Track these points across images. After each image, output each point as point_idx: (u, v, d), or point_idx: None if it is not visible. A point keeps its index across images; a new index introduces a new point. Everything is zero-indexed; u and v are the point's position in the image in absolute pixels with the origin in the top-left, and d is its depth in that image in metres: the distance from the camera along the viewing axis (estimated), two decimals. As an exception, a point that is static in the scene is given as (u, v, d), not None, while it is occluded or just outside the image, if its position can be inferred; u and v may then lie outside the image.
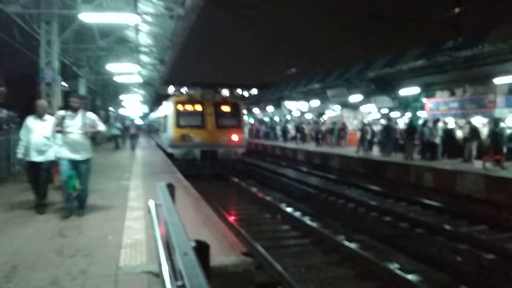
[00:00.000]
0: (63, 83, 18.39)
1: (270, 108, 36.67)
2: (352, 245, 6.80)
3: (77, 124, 5.49)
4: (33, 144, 5.74)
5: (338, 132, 21.84)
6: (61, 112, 5.74)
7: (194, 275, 1.55)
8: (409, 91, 18.87)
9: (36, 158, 5.76)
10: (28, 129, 5.82)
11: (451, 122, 16.25)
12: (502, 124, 12.47)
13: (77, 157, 5.51)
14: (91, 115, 5.78)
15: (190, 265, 1.65)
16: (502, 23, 11.58)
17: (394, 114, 22.72)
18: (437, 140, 13.62)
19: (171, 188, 3.34)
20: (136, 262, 3.87)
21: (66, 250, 4.17)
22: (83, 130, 5.50)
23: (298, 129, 25.82)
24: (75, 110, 5.56)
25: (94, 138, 6.03)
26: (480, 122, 14.93)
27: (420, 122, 16.94)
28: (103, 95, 27.90)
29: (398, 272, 5.64)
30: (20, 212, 5.93)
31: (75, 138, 5.48)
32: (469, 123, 13.64)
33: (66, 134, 5.43)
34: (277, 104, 34.16)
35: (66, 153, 5.48)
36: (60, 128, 5.42)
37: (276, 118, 35.88)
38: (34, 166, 5.80)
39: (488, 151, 11.77)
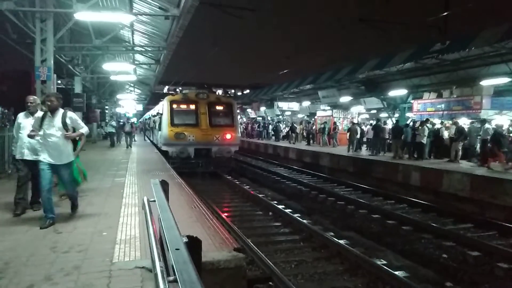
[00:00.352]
0: (59, 81, 18.44)
1: (263, 108, 36.92)
2: (341, 242, 6.96)
3: (56, 125, 5.01)
4: (26, 142, 5.39)
5: (329, 131, 22.12)
6: (38, 114, 5.29)
7: (186, 270, 1.58)
8: (397, 92, 19.24)
9: (30, 156, 5.40)
10: (20, 127, 5.50)
11: (437, 123, 16.56)
12: (487, 125, 12.74)
13: (57, 161, 5.02)
14: (72, 115, 5.25)
15: (181, 260, 1.68)
16: (487, 27, 11.86)
17: (383, 115, 23.09)
18: (424, 140, 13.88)
19: (164, 184, 3.42)
20: (130, 257, 3.87)
21: (60, 246, 4.18)
22: (63, 134, 5.00)
23: (292, 128, 25.93)
24: (52, 110, 5.04)
25: (78, 141, 5.49)
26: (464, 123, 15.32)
27: (408, 122, 17.26)
28: (99, 94, 27.88)
29: (386, 268, 5.79)
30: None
31: (54, 140, 4.99)
32: (455, 124, 13.92)
33: (45, 136, 4.97)
34: (270, 104, 34.41)
35: (46, 157, 4.98)
36: (33, 133, 4.96)
37: (269, 118, 36.17)
38: (29, 165, 5.47)
39: (487, 154, 11.94)
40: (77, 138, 5.49)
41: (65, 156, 5.12)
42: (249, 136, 33.00)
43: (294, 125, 27.01)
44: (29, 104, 5.60)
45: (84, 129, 5.37)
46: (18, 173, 5.76)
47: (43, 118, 5.04)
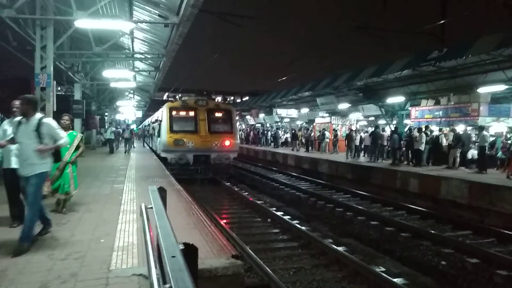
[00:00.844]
0: (59, 88, 18.50)
1: (261, 115, 37.06)
2: (340, 249, 6.95)
3: (28, 133, 4.47)
4: (13, 150, 4.98)
5: (328, 138, 22.19)
6: (5, 122, 4.95)
7: (181, 278, 1.58)
8: (395, 99, 19.36)
9: (16, 165, 4.90)
10: (5, 134, 5.02)
11: (436, 130, 16.66)
12: (484, 132, 12.80)
13: (26, 172, 4.47)
14: (48, 121, 4.61)
15: (177, 268, 1.69)
16: (484, 35, 11.97)
17: (381, 122, 23.21)
18: (422, 147, 13.92)
19: (162, 191, 3.43)
20: (127, 265, 3.87)
21: (57, 253, 4.16)
22: (36, 147, 4.40)
23: (294, 135, 25.31)
24: (26, 115, 4.51)
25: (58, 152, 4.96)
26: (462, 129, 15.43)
27: (405, 129, 17.38)
28: (99, 100, 27.97)
29: (385, 275, 5.78)
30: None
31: (24, 149, 4.48)
32: (453, 130, 13.98)
33: (19, 145, 4.58)
34: (269, 111, 34.54)
35: (19, 168, 4.60)
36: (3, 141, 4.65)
37: (267, 125, 36.30)
38: (15, 174, 4.86)
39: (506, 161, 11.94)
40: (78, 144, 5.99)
41: (36, 167, 4.45)
42: (252, 143, 33.06)
43: (297, 131, 26.54)
44: (15, 108, 5.09)
45: (62, 140, 4.67)
46: (6, 184, 5.31)
47: (18, 124, 4.57)
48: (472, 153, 13.79)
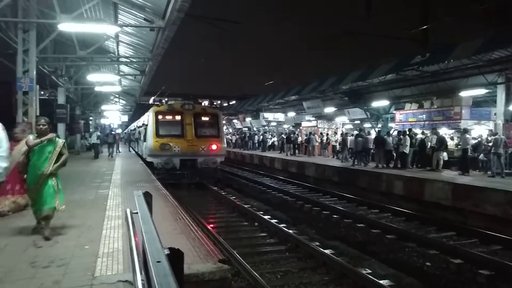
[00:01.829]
0: (42, 92, 18.18)
1: (248, 119, 37.14)
2: (327, 251, 6.99)
3: None
4: None
5: (313, 142, 22.32)
6: None
7: (166, 283, 1.55)
8: (380, 103, 19.68)
9: None
10: None
11: (419, 133, 16.97)
12: (467, 135, 13.10)
13: None
14: None
15: (162, 273, 1.65)
16: (465, 41, 12.31)
17: (367, 125, 23.55)
18: (407, 150, 14.14)
19: (148, 196, 3.40)
20: (112, 271, 3.80)
21: (39, 261, 4.06)
22: None
23: (289, 139, 23.71)
24: None
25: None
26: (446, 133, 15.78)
27: (391, 132, 17.69)
28: (83, 105, 27.59)
29: (371, 277, 5.83)
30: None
31: None
32: (436, 133, 14.26)
33: None
34: (255, 115, 34.63)
35: None
36: None
37: (254, 129, 36.40)
38: None
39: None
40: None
41: None
42: (235, 147, 33.05)
43: (293, 135, 24.78)
44: None
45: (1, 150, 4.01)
46: None
47: None
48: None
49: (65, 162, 5.14)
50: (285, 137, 24.66)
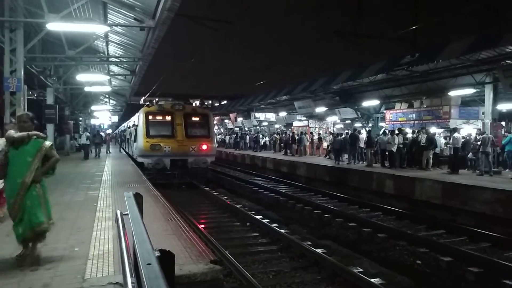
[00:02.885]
0: (30, 93, 17.90)
1: (240, 119, 37.12)
2: (318, 251, 7.00)
3: None
4: None
5: (304, 141, 22.36)
6: None
7: (157, 285, 1.55)
8: (370, 103, 19.84)
9: None
10: None
11: (409, 132, 17.17)
12: (456, 134, 13.26)
13: None
14: None
15: (153, 275, 1.65)
16: (454, 41, 12.46)
17: (357, 125, 23.73)
18: (395, 149, 14.26)
19: (138, 197, 3.38)
20: (103, 273, 3.79)
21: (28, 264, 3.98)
22: None
23: (294, 139, 22.66)
24: None
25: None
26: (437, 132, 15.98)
27: (381, 132, 17.85)
28: (73, 105, 27.27)
29: (362, 276, 5.86)
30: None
31: None
32: (427, 132, 14.41)
33: None
34: (247, 115, 34.63)
35: None
36: None
37: (246, 128, 36.40)
38: None
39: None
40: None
41: None
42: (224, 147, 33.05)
43: (302, 135, 23.28)
44: None
45: None
46: None
47: None
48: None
49: (53, 166, 4.28)
50: (292, 135, 23.29)
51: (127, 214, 2.92)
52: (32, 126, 4.27)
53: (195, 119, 15.46)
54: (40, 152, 4.12)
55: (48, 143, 4.28)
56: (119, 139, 36.63)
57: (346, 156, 17.22)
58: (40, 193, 4.13)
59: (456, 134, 13.18)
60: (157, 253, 2.04)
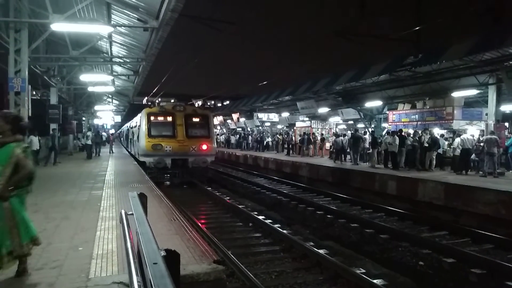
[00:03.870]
0: (34, 92, 17.99)
1: (242, 119, 37.13)
2: (321, 251, 7.00)
3: None
4: None
5: (309, 142, 22.31)
6: None
7: (163, 284, 1.56)
8: (373, 103, 19.81)
9: None
10: None
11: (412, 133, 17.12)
12: (469, 136, 13.16)
13: None
14: None
15: (159, 275, 1.66)
16: (457, 42, 12.45)
17: (360, 126, 23.71)
18: (396, 150, 14.22)
19: (142, 197, 3.40)
20: (107, 273, 3.79)
21: (33, 263, 3.97)
22: None
23: (310, 139, 21.87)
24: None
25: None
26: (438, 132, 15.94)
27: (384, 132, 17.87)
28: (76, 105, 27.39)
29: (365, 276, 5.85)
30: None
31: None
32: (431, 133, 14.37)
33: None
34: (249, 115, 34.65)
35: None
36: None
37: (248, 129, 36.39)
38: None
39: None
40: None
41: None
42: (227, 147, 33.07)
43: (321, 135, 22.80)
44: None
45: None
46: None
47: None
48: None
49: (23, 177, 3.43)
50: (305, 136, 22.43)
51: (132, 214, 2.94)
52: (9, 129, 3.49)
53: (195, 119, 15.73)
54: (10, 160, 3.37)
55: (22, 147, 3.50)
56: (122, 138, 36.75)
57: (348, 157, 17.24)
58: (8, 214, 3.38)
59: (464, 136, 13.09)
60: (163, 253, 2.06)
